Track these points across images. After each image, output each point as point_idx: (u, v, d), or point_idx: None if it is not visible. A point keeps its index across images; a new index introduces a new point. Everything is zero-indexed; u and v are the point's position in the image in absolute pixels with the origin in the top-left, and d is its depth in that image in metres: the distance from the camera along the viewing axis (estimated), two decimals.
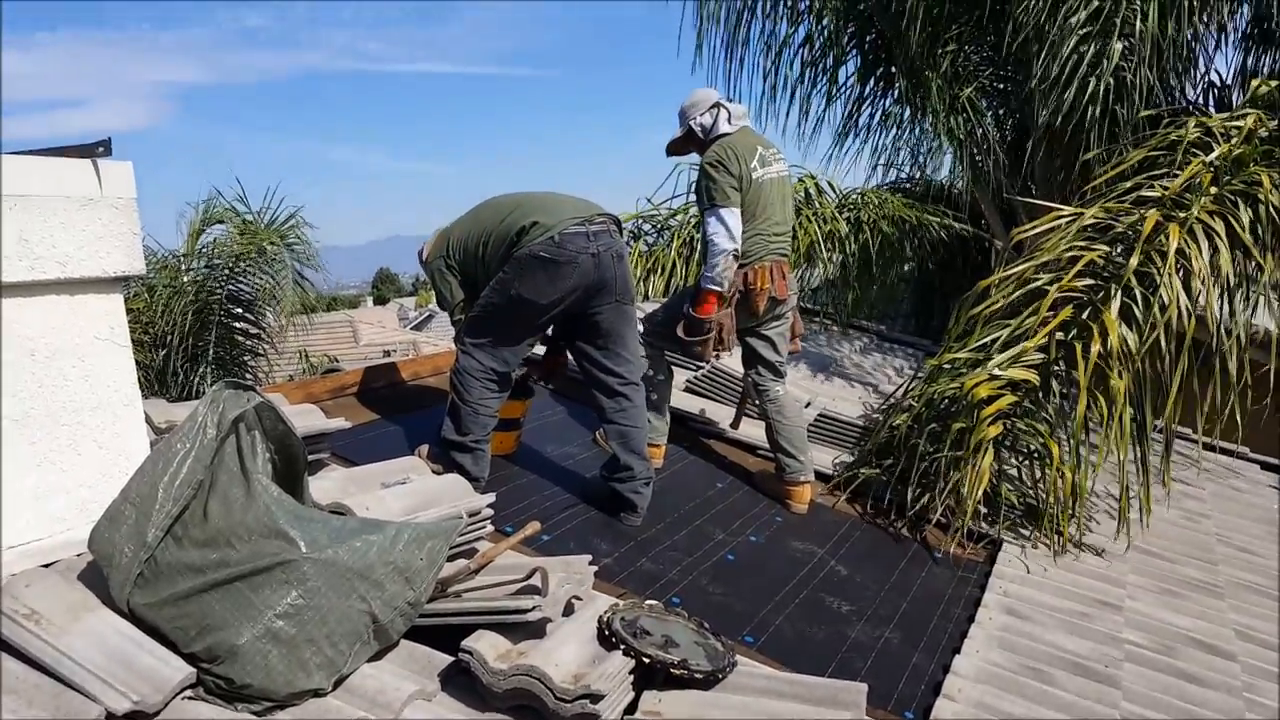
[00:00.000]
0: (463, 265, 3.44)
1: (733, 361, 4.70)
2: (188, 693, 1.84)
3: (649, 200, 8.23)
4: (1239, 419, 4.31)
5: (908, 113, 7.67)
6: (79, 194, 2.12)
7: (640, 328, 4.07)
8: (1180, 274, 4.18)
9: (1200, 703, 2.93)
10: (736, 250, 3.68)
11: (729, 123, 3.80)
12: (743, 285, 3.76)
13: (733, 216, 3.66)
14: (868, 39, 7.64)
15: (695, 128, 3.84)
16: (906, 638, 3.12)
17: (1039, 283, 4.35)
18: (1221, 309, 4.36)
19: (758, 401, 4.11)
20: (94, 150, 2.17)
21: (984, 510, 4.03)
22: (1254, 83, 5.28)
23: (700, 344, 3.75)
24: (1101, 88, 6.26)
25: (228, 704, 1.84)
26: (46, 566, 2.08)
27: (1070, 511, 4.07)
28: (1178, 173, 4.72)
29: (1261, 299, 4.70)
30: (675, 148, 4.03)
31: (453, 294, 3.50)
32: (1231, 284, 4.42)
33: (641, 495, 3.46)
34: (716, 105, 3.81)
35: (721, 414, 4.86)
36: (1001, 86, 7.68)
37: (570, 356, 3.62)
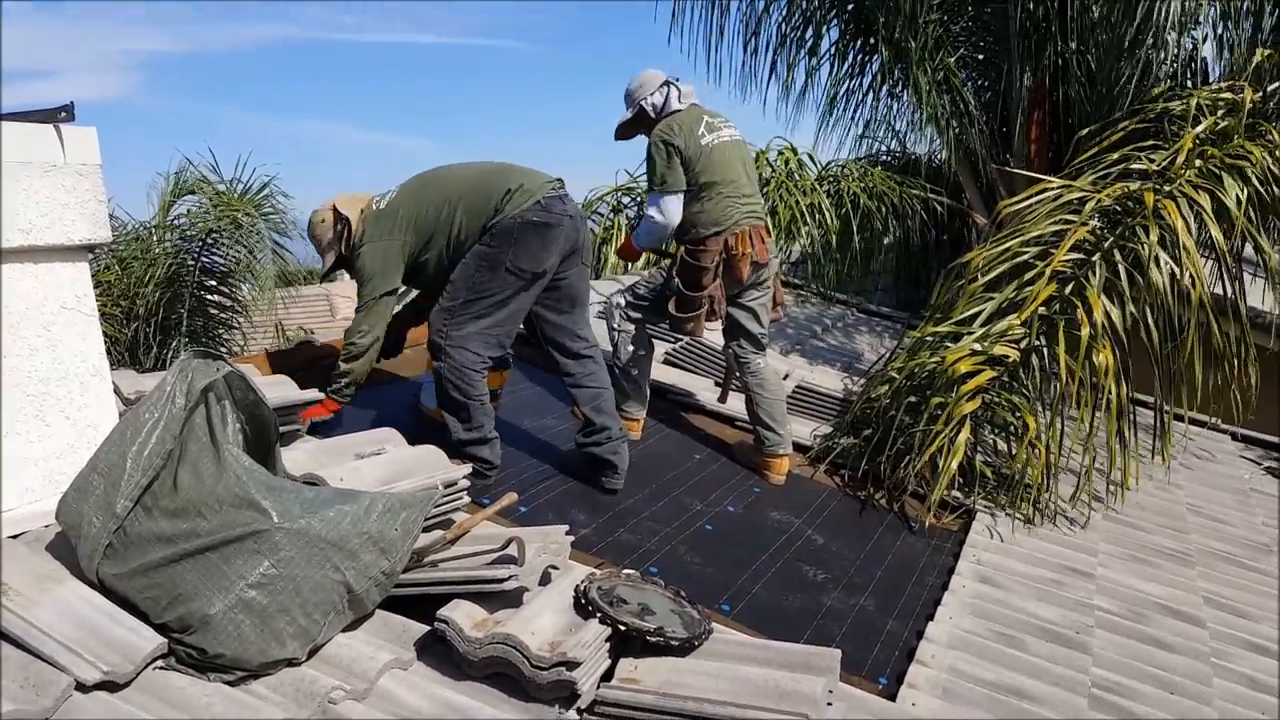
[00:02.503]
0: (411, 245, 3.25)
1: (711, 334, 4.69)
2: (159, 663, 1.84)
3: (629, 173, 8.19)
4: (1236, 396, 4.38)
5: (887, 86, 7.64)
6: (41, 160, 2.08)
7: (621, 301, 4.06)
8: (1166, 248, 4.20)
9: (1168, 668, 2.98)
10: (669, 231, 3.75)
11: (679, 100, 3.80)
12: (725, 252, 3.74)
13: (674, 201, 3.70)
14: (848, 7, 7.59)
15: (647, 108, 3.82)
16: (881, 605, 3.15)
17: (1025, 257, 4.36)
18: (1210, 285, 4.39)
19: (738, 373, 4.11)
20: (56, 115, 2.13)
21: (959, 481, 4.06)
22: (1258, 53, 5.25)
23: (693, 319, 3.74)
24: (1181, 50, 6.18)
25: (200, 674, 1.83)
26: (14, 538, 2.06)
27: (1044, 484, 4.11)
28: (1163, 146, 4.73)
29: (1250, 276, 4.74)
30: (624, 131, 3.98)
31: (394, 280, 3.28)
32: (1228, 260, 4.45)
33: (620, 455, 3.45)
34: (666, 84, 3.80)
35: (699, 386, 4.87)
36: (981, 57, 7.66)
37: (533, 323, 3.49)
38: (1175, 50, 6.20)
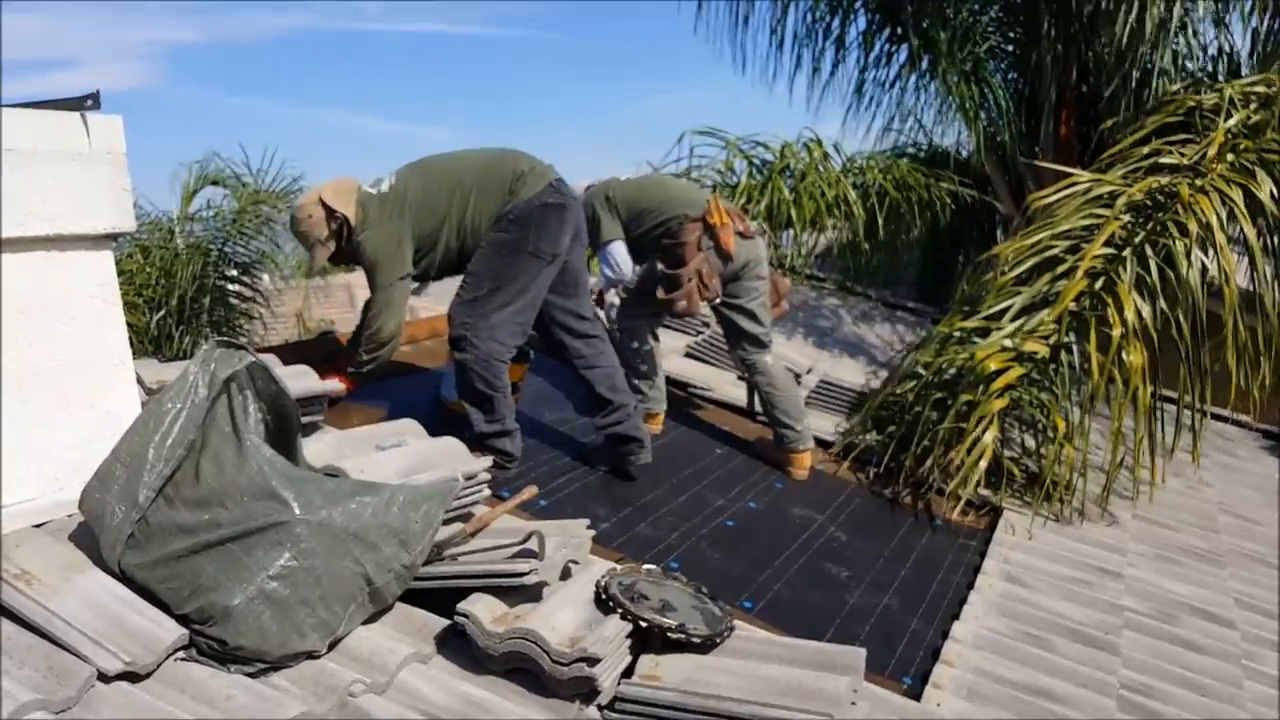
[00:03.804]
0: (419, 229, 3.18)
1: None
2: (180, 654, 1.83)
3: (650, 165, 8.13)
4: (1257, 395, 4.31)
5: (914, 77, 7.56)
6: (68, 148, 2.07)
7: (616, 300, 4.09)
8: (1199, 244, 4.13)
9: (1199, 670, 2.93)
10: (625, 280, 4.02)
11: None
12: (703, 226, 3.74)
13: (618, 247, 3.91)
14: None
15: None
16: (905, 604, 3.11)
17: (1055, 251, 4.30)
18: (1248, 280, 4.33)
19: (747, 375, 4.10)
20: (82, 104, 2.12)
21: (986, 478, 4.01)
22: None
23: (684, 296, 3.71)
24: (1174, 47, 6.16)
25: (221, 665, 1.83)
26: (37, 527, 2.06)
27: (1072, 482, 4.05)
28: (1195, 140, 4.66)
29: None
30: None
31: (406, 264, 3.20)
32: (1258, 256, 4.37)
33: (642, 429, 3.46)
34: (587, 189, 4.05)
35: (720, 379, 4.83)
36: (1011, 49, 7.57)
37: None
38: (1171, 47, 6.16)
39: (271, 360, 2.67)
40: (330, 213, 3.17)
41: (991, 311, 4.23)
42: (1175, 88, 5.89)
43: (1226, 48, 7.09)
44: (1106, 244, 4.21)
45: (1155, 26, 5.98)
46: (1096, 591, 3.34)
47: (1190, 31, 6.27)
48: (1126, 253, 4.18)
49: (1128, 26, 5.98)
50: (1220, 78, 6.40)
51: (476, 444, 3.08)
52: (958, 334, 4.30)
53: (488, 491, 2.66)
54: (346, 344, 3.68)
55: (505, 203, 3.12)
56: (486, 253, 3.15)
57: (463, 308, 3.16)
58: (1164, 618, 3.26)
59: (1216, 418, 5.87)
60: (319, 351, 3.71)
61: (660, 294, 3.76)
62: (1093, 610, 3.17)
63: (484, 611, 2.01)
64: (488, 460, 2.68)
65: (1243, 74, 6.36)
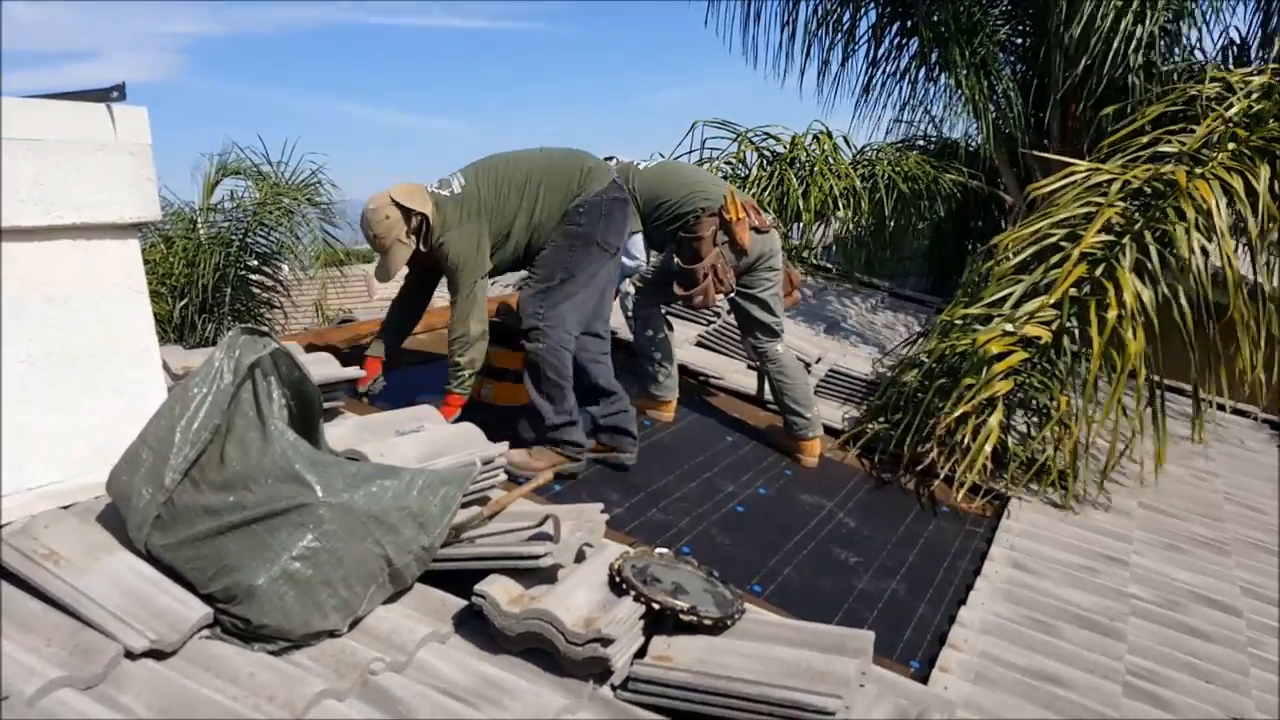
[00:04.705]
0: (494, 227, 3.20)
1: None
2: (205, 632, 1.87)
3: (661, 156, 8.14)
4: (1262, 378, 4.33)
5: (924, 70, 7.56)
6: (93, 139, 2.10)
7: (631, 289, 4.13)
8: (1198, 230, 4.14)
9: (1204, 657, 2.96)
10: (641, 270, 4.15)
11: None
12: (720, 221, 3.77)
13: (636, 240, 3.99)
14: None
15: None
16: (913, 589, 3.15)
17: (1054, 239, 4.32)
18: (1247, 267, 4.34)
19: (758, 363, 4.14)
20: (108, 95, 2.16)
21: (991, 466, 4.03)
22: None
23: (700, 291, 3.76)
24: (1146, 33, 6.19)
25: (245, 643, 1.86)
26: (65, 508, 2.11)
27: (1077, 469, 4.08)
28: (1194, 129, 4.67)
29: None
30: None
31: (487, 263, 3.20)
32: (1255, 241, 4.38)
33: (634, 422, 3.52)
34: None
35: (731, 368, 4.87)
36: (1020, 41, 7.57)
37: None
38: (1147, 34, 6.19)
39: (294, 348, 2.71)
40: (408, 213, 3.14)
41: (993, 299, 4.26)
42: (1167, 68, 5.93)
43: (1237, 39, 7.10)
44: (1105, 230, 4.23)
45: (1114, 16, 6.02)
46: (1103, 579, 3.37)
47: (1150, 20, 6.25)
48: (1126, 239, 4.20)
49: (1083, 15, 6.03)
50: (1231, 67, 6.40)
51: (548, 436, 3.19)
52: (960, 321, 4.32)
53: (504, 476, 2.70)
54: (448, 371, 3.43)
55: (574, 197, 3.19)
56: (558, 244, 3.20)
57: (533, 299, 3.19)
58: (1170, 605, 3.29)
59: (1229, 410, 5.89)
60: (339, 339, 3.76)
61: (676, 288, 3.80)
62: (1099, 597, 3.20)
63: (501, 592, 2.05)
64: (503, 445, 2.71)
65: (1251, 63, 6.37)
